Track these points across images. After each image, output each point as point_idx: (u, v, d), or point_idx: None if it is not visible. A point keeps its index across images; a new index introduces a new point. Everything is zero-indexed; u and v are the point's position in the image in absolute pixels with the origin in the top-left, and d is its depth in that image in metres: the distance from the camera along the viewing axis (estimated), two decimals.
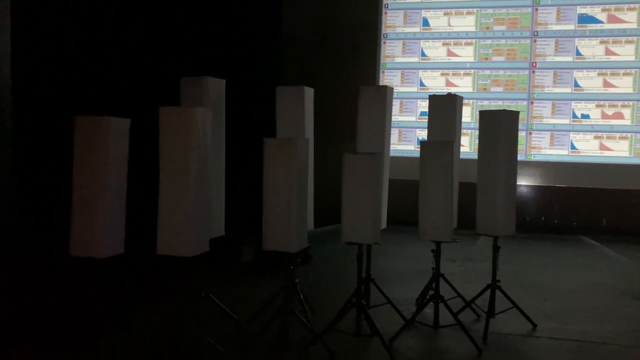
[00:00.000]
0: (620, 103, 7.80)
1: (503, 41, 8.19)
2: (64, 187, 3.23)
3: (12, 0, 3.51)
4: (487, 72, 8.25)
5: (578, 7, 7.92)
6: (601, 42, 7.85)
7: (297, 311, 3.62)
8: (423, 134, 8.14)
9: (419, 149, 3.73)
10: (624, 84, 7.79)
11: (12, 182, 3.56)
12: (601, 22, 7.86)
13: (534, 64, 8.08)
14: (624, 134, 7.79)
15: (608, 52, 7.83)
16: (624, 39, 7.79)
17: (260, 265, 5.38)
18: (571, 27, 7.95)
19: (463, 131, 4.74)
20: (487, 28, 8.24)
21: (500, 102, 8.14)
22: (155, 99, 3.50)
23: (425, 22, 8.45)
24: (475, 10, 8.28)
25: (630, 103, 7.78)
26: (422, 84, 8.46)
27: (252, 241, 5.47)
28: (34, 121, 4.02)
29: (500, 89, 8.20)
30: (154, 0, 5.36)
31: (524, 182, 7.95)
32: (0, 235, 3.52)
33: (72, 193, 3.12)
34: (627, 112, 7.79)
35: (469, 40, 8.31)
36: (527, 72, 8.10)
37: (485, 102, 8.20)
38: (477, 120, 4.07)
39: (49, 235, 3.81)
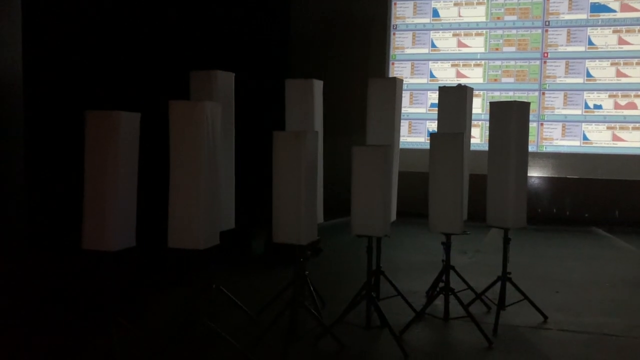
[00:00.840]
0: (633, 93, 7.71)
1: (514, 31, 8.11)
2: (75, 181, 3.26)
3: None
4: (498, 62, 8.18)
5: None
6: (614, 32, 7.75)
7: (307, 303, 3.63)
8: (433, 126, 8.10)
9: (429, 141, 3.72)
10: (637, 74, 7.69)
11: (24, 176, 3.60)
12: (614, 10, 7.75)
13: (546, 54, 8.00)
14: (637, 125, 7.70)
15: (621, 42, 7.73)
16: (637, 27, 7.68)
17: (270, 258, 5.40)
18: (583, 16, 7.85)
19: (474, 123, 4.71)
20: (498, 18, 8.17)
21: (511, 93, 8.07)
22: (165, 93, 3.51)
23: (435, 13, 8.39)
24: (485, 0, 8.20)
25: None
26: (432, 76, 8.41)
27: (262, 234, 5.50)
28: (45, 116, 4.06)
29: (511, 80, 8.13)
30: None
31: (536, 173, 7.90)
32: (13, 228, 3.56)
33: (84, 187, 3.15)
34: None
35: (479, 31, 8.24)
36: (538, 62, 8.03)
37: (496, 93, 8.14)
38: (488, 112, 4.04)
39: (61, 228, 3.84)
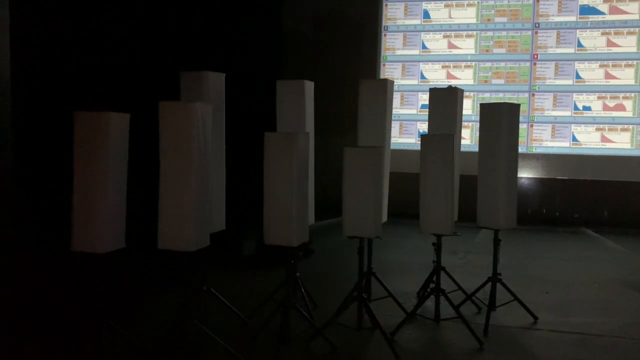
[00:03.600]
0: (622, 95, 7.78)
1: (504, 33, 8.16)
2: (64, 182, 3.23)
3: None
4: (488, 64, 8.22)
5: None
6: (603, 34, 7.82)
7: (298, 305, 3.63)
8: (424, 127, 8.13)
9: (420, 142, 3.72)
10: (625, 76, 7.75)
11: (12, 178, 3.56)
12: (603, 13, 7.81)
13: (535, 56, 8.05)
14: (625, 126, 7.76)
15: (610, 44, 7.80)
16: (625, 30, 7.75)
17: (261, 259, 5.38)
18: (573, 18, 7.91)
19: (464, 124, 4.72)
20: (488, 20, 8.21)
21: (501, 95, 8.11)
22: (155, 94, 3.49)
23: (426, 14, 8.42)
24: (476, 1, 8.24)
25: (632, 95, 7.75)
26: (422, 77, 8.44)
27: (253, 235, 5.48)
28: (33, 117, 4.02)
29: (501, 81, 8.17)
30: None
31: (526, 174, 7.94)
32: (1, 230, 3.52)
33: (73, 188, 3.12)
34: (628, 104, 7.76)
35: (469, 32, 8.27)
36: (528, 64, 8.07)
37: (487, 95, 8.18)
38: (478, 113, 4.06)
39: (50, 230, 3.81)
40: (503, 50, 8.16)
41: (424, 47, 8.43)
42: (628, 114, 7.75)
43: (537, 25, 8.04)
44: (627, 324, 3.97)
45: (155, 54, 5.25)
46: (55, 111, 3.92)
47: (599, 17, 7.82)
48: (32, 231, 3.94)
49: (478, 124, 4.10)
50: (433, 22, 8.38)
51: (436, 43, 8.38)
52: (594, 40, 7.84)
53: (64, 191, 3.24)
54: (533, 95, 8.05)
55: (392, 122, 4.38)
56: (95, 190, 3.09)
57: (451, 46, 8.33)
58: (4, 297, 3.68)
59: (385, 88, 4.09)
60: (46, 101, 4.17)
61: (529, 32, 8.06)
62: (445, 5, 8.34)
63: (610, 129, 7.80)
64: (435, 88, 4.45)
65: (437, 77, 8.35)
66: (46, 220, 3.94)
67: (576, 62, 7.90)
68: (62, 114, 3.47)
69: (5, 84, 3.48)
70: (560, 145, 7.95)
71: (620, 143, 7.77)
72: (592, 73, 7.85)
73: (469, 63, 8.28)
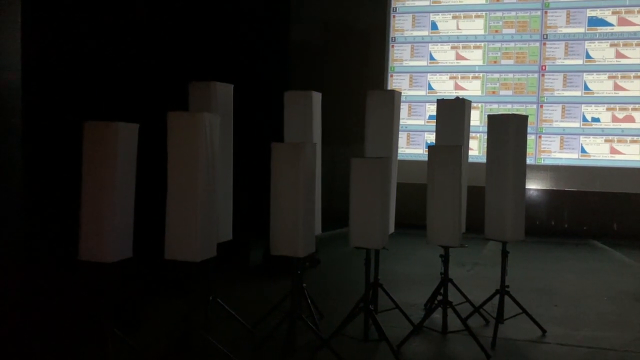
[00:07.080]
0: (631, 106, 7.74)
1: (512, 44, 8.16)
2: (73, 192, 3.25)
3: (23, 6, 3.55)
4: (496, 75, 8.21)
5: (588, 9, 7.87)
6: (611, 45, 7.80)
7: (304, 315, 3.61)
8: (431, 138, 8.12)
9: (427, 153, 3.72)
10: (634, 87, 7.72)
11: (21, 187, 3.59)
12: (611, 24, 7.80)
13: (544, 67, 8.03)
14: (635, 138, 7.72)
15: (618, 55, 7.77)
16: (634, 41, 7.73)
17: (268, 270, 5.38)
18: (581, 30, 7.90)
19: (472, 135, 4.72)
20: (496, 31, 8.21)
21: (509, 106, 8.09)
22: (164, 104, 3.52)
23: (434, 26, 8.44)
24: (484, 13, 8.25)
25: None
26: (430, 88, 8.44)
27: (260, 245, 5.48)
28: (43, 126, 4.05)
29: (509, 93, 8.16)
30: (163, 5, 5.39)
31: (534, 186, 7.90)
32: (9, 239, 3.54)
33: (81, 197, 3.14)
34: (637, 116, 7.72)
35: (477, 44, 8.28)
36: (536, 75, 8.06)
37: (494, 106, 8.16)
38: (486, 124, 4.05)
39: (58, 239, 3.83)
40: (511, 62, 8.15)
41: (431, 58, 8.44)
42: (637, 125, 7.71)
43: (545, 36, 8.03)
44: (637, 337, 3.92)
45: (164, 64, 5.29)
46: (65, 120, 3.95)
47: (608, 29, 7.80)
48: (40, 240, 3.96)
49: (486, 135, 4.09)
50: (441, 33, 8.40)
51: (444, 54, 8.39)
52: (602, 52, 7.82)
53: (72, 200, 3.26)
54: (541, 106, 8.03)
55: (400, 133, 4.38)
56: (104, 199, 3.10)
57: (459, 57, 8.34)
58: (11, 304, 3.70)
59: (392, 99, 4.09)
60: (56, 111, 4.21)
61: (537, 44, 8.06)
62: (454, 17, 8.35)
63: (619, 141, 7.76)
64: (443, 99, 4.45)
65: (445, 88, 8.35)
66: (54, 229, 3.96)
67: (585, 74, 7.88)
68: (71, 123, 3.50)
69: (15, 93, 3.51)
70: (568, 157, 7.91)
71: (630, 155, 7.72)
72: (600, 84, 7.82)
73: (477, 74, 8.27)
